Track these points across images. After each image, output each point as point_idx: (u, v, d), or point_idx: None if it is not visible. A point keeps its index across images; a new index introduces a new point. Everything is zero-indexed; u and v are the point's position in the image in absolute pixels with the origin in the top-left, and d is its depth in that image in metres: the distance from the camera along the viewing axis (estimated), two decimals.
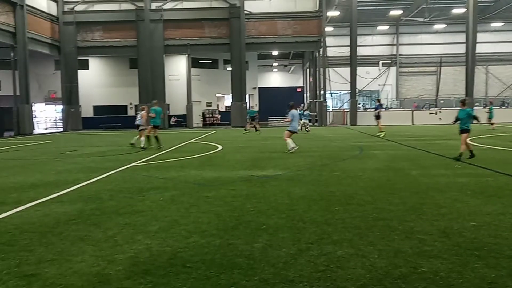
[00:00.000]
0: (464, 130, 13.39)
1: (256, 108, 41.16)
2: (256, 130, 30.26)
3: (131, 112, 41.44)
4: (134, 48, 39.59)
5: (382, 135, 23.96)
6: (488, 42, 52.71)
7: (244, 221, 6.48)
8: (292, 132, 16.27)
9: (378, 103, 27.84)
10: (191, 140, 23.72)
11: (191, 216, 6.86)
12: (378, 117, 25.74)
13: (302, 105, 33.60)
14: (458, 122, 13.61)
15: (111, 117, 42.39)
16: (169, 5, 39.45)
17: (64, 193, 8.96)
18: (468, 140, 13.47)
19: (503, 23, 52.47)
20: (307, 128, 29.96)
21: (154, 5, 39.32)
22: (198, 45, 39.65)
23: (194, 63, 41.89)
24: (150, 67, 39.33)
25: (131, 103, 42.23)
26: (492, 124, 29.45)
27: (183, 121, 41.55)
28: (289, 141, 16.13)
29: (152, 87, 39.31)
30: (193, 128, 39.61)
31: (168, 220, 6.60)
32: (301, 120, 27.79)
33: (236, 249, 5.21)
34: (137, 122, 19.59)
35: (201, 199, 8.13)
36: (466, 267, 4.50)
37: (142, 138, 18.78)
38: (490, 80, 54.75)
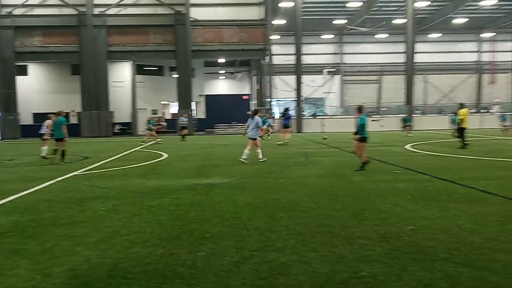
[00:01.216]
0: (361, 138, 12.46)
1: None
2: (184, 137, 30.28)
3: (73, 120, 40.16)
4: (76, 54, 38.44)
5: (283, 143, 23.32)
6: (426, 52, 55.04)
7: (187, 230, 6.40)
8: (252, 139, 15.28)
9: (286, 112, 25.71)
10: (136, 148, 23.26)
11: (133, 226, 6.70)
12: (286, 126, 24.35)
13: (267, 112, 33.33)
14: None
15: None
16: (112, 11, 38.63)
17: None
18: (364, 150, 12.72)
19: (440, 34, 54.98)
20: (268, 135, 30.00)
21: (97, 10, 38.38)
22: (143, 51, 39.00)
23: (139, 70, 41.17)
24: (93, 73, 38.30)
25: (73, 111, 40.89)
26: (408, 131, 30.23)
27: (127, 128, 40.70)
28: (259, 150, 15.29)
29: (95, 94, 38.31)
30: (138, 136, 38.89)
31: (109, 231, 6.41)
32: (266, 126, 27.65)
33: (179, 259, 5.13)
34: (41, 131, 18.15)
35: (144, 208, 7.97)
36: (405, 271, 4.63)
37: (44, 147, 17.49)
38: (429, 89, 57.09)
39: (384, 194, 8.86)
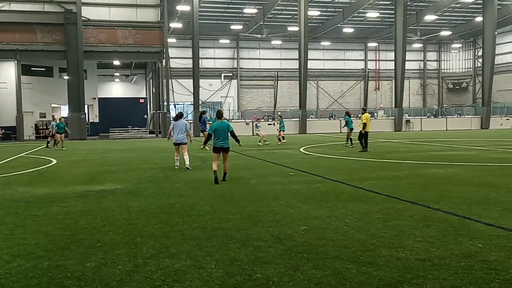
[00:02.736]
0: (224, 149, 11.13)
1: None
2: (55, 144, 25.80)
3: None
4: None
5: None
6: (318, 60, 57.73)
7: (77, 239, 6.06)
8: (176, 144, 14.07)
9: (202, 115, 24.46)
10: (21, 154, 21.69)
11: (16, 238, 6.21)
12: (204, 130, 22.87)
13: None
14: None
15: None
16: None
17: None
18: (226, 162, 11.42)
19: (330, 43, 57.94)
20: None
21: None
22: (29, 51, 36.47)
23: (25, 70, 38.47)
24: None
25: None
26: (282, 137, 26.57)
27: (11, 133, 37.81)
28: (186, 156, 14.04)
29: None
30: (24, 141, 36.34)
31: None
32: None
33: (66, 271, 4.83)
34: None
35: (28, 218, 7.42)
36: (297, 270, 4.76)
37: None
38: (320, 94, 59.84)
39: (278, 196, 9.09)
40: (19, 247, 5.74)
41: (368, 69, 61.70)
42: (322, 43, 57.28)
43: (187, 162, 13.86)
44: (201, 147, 20.77)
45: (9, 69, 38.23)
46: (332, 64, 60.06)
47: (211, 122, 17.40)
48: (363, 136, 19.62)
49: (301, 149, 21.58)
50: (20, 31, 36.27)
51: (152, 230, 6.51)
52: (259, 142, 26.10)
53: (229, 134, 11.28)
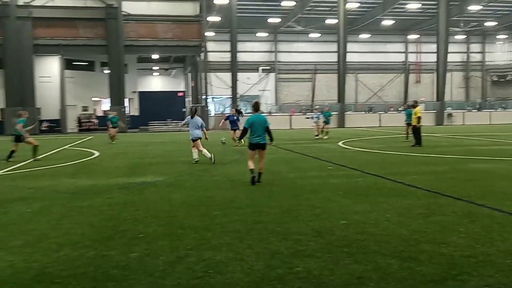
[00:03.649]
0: (261, 145, 9.97)
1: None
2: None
3: None
4: None
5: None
6: (357, 52, 56.88)
7: (120, 230, 6.21)
8: (193, 140, 14.20)
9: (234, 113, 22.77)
10: (65, 147, 22.35)
11: (63, 228, 6.42)
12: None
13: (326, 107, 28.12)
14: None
15: None
16: (38, 2, 36.71)
17: None
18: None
19: (370, 35, 57.02)
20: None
21: (21, 1, 36.41)
22: (72, 45, 37.46)
23: (68, 64, 39.59)
24: (18, 67, 36.32)
25: None
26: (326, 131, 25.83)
27: (56, 126, 39.01)
28: (204, 150, 13.98)
29: (20, 90, 36.34)
30: (68, 134, 37.44)
31: (36, 234, 6.09)
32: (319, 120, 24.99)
33: (111, 260, 4.97)
34: None
35: (74, 209, 7.65)
36: (337, 264, 4.74)
37: None
38: (359, 87, 59.05)
39: (317, 190, 9.04)
40: (65, 237, 5.93)
41: (409, 61, 60.43)
42: (361, 36, 56.43)
43: (209, 155, 13.83)
44: (236, 143, 19.75)
45: (53, 64, 39.46)
46: (371, 57, 59.12)
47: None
48: (417, 130, 18.95)
49: (340, 143, 21.37)
50: (63, 26, 37.30)
51: (193, 222, 6.60)
52: (322, 135, 25.05)
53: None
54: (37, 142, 15.90)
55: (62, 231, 6.21)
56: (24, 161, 15.15)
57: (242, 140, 10.99)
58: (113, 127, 24.60)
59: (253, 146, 9.91)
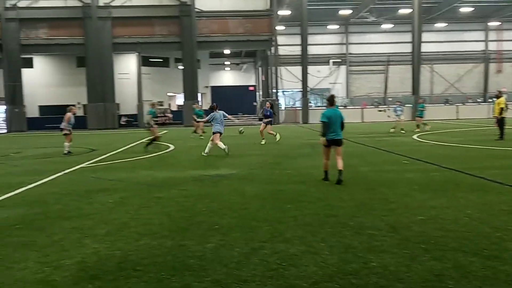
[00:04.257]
0: (338, 141, 9.33)
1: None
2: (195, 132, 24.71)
3: (79, 112, 40.13)
4: (81, 46, 38.39)
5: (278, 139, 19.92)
6: (433, 42, 54.50)
7: (196, 221, 6.40)
8: (216, 133, 15.12)
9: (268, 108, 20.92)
10: (142, 140, 23.24)
11: (142, 218, 6.71)
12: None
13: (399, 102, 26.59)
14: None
15: (58, 117, 40.76)
16: (117, 2, 38.49)
17: (7, 197, 8.57)
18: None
19: (446, 24, 54.47)
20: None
21: (101, 2, 38.28)
22: (148, 43, 38.93)
23: (145, 61, 41.13)
24: (99, 65, 38.27)
25: (79, 103, 40.90)
26: (421, 124, 25.12)
27: (133, 120, 40.74)
28: (220, 143, 14.84)
29: (101, 86, 38.28)
30: (144, 128, 38.89)
31: (118, 223, 6.42)
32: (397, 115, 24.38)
33: (188, 250, 5.13)
34: (61, 126, 17.62)
35: (152, 200, 7.97)
36: (414, 261, 4.61)
37: (67, 143, 17.06)
38: (435, 79, 56.71)
39: (392, 184, 8.83)
40: (145, 227, 6.19)
41: (489, 50, 57.20)
42: (436, 25, 54.06)
43: (223, 146, 14.71)
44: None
45: (131, 61, 41.19)
46: (447, 47, 56.44)
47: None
48: (500, 122, 17.95)
49: (414, 137, 20.68)
50: (140, 25, 38.75)
51: (266, 214, 6.67)
52: (421, 129, 24.30)
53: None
54: (159, 134, 17.55)
55: (142, 221, 6.49)
56: (106, 154, 15.94)
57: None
58: (200, 120, 22.37)
59: (328, 142, 9.27)
